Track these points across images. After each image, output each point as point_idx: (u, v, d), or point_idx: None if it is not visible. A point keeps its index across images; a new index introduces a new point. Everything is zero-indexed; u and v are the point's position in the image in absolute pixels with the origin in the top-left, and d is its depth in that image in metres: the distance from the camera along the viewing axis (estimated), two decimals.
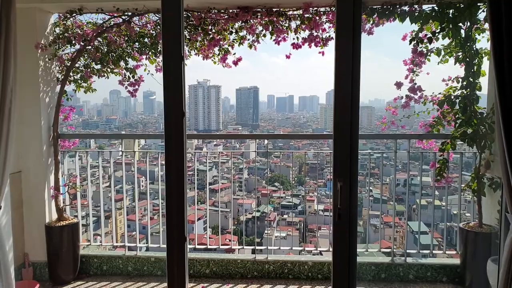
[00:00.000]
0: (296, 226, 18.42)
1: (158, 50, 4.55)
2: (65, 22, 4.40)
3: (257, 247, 4.86)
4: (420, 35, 3.99)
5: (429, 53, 4.13)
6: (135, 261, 4.47)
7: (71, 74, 4.57)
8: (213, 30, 4.37)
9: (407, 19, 3.88)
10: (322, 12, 4.10)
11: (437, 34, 3.88)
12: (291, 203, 18.35)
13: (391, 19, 3.97)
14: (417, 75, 4.25)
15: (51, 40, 4.25)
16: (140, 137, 4.85)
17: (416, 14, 3.83)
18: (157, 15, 4.33)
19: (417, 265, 4.30)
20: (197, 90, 29.34)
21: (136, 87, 4.65)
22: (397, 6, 3.84)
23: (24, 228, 4.29)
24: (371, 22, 4.06)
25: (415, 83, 4.25)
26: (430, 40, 3.87)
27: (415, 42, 3.96)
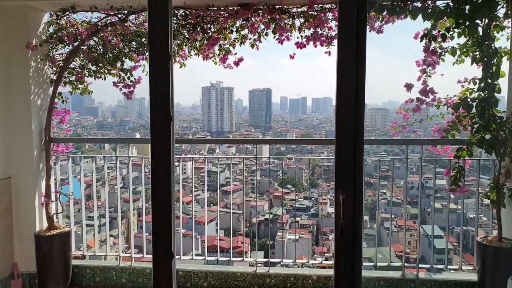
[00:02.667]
0: (308, 229, 18.08)
1: None
2: (57, 21, 4.18)
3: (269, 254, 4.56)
4: (434, 32, 3.64)
5: (443, 53, 3.79)
6: (129, 273, 4.21)
7: (66, 75, 4.36)
8: (213, 29, 4.10)
9: (419, 16, 3.54)
10: (327, 9, 3.79)
11: (452, 32, 3.53)
12: (304, 206, 18.08)
13: (402, 16, 3.63)
14: (429, 76, 3.91)
15: (42, 40, 4.02)
16: (135, 142, 4.56)
17: (429, 10, 3.49)
18: None
19: (430, 281, 3.94)
20: (210, 92, 29.27)
21: (132, 89, 4.40)
22: (409, 2, 3.51)
23: (14, 237, 4.07)
24: (381, 19, 3.74)
25: (427, 85, 3.91)
26: (443, 37, 3.51)
27: (427, 40, 3.61)
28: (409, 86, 3.80)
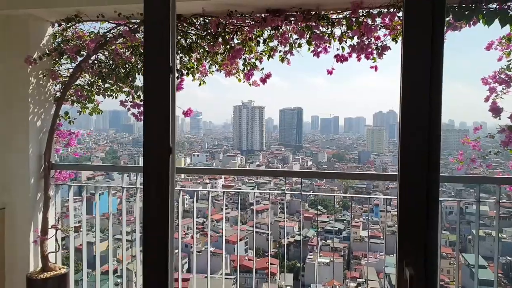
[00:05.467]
0: (340, 253, 17.04)
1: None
2: (62, 32, 3.59)
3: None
4: None
5: None
6: None
7: (73, 93, 3.76)
8: (236, 40, 3.40)
9: (496, 20, 2.72)
10: (376, 14, 3.01)
11: None
12: (335, 228, 17.03)
13: (472, 21, 2.82)
14: (501, 97, 3.08)
15: (43, 54, 3.43)
16: (128, 170, 3.82)
17: (510, 13, 2.67)
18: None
19: None
20: (242, 110, 28.86)
21: (143, 109, 3.73)
22: (483, 4, 2.70)
23: (5, 278, 3.43)
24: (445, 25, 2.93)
25: (499, 106, 3.07)
26: None
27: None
28: (496, 110, 2.95)
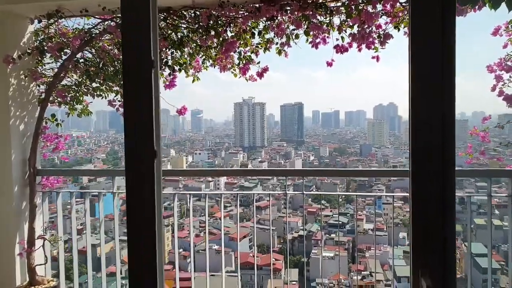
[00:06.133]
0: (344, 246, 16.87)
1: (163, 61, 3.43)
2: (44, 29, 3.37)
3: None
4: None
5: None
6: None
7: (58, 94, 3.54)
8: (230, 33, 3.18)
9: (503, 4, 2.49)
10: (376, 0, 2.78)
11: None
12: (338, 222, 16.89)
13: (478, 6, 2.59)
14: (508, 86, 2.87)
15: (23, 52, 3.21)
16: (119, 174, 3.55)
17: None
18: (162, 14, 3.22)
19: None
20: (242, 107, 28.68)
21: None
22: None
23: None
24: None
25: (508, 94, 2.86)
26: None
27: None
28: (510, 99, 2.72)
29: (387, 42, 2.82)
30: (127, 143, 1.69)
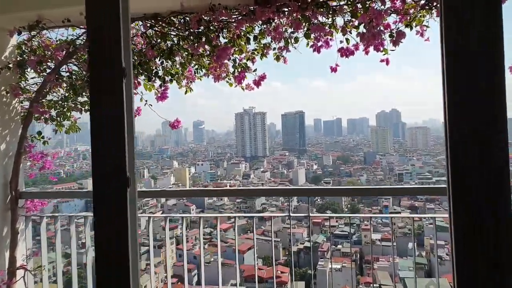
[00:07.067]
0: (351, 257, 16.51)
1: (153, 71, 3.15)
2: (26, 42, 3.11)
3: None
4: None
5: None
6: None
7: (47, 110, 3.27)
8: (222, 39, 2.90)
9: None
10: None
11: None
12: (345, 232, 16.48)
13: None
14: None
15: (3, 66, 2.94)
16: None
17: None
18: (149, 22, 2.95)
19: None
20: (243, 117, 28.48)
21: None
22: None
23: None
24: None
25: None
26: None
27: None
28: None
29: (401, 42, 2.51)
30: (95, 169, 1.40)
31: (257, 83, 3.06)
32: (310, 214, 2.88)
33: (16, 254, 2.93)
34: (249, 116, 27.95)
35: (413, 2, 2.46)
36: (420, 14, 2.58)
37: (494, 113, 1.11)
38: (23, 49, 3.16)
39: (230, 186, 22.91)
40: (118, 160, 1.36)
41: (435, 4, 2.48)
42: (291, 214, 2.96)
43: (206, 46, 2.89)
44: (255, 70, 3.06)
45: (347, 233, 17.11)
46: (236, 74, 3.07)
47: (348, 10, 2.58)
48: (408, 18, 2.56)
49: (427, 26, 2.63)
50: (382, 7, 2.45)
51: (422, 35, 2.67)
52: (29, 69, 3.04)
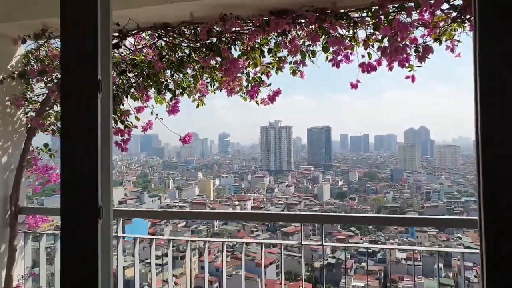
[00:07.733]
0: (375, 276, 15.89)
1: (163, 84, 2.97)
2: (33, 51, 3.00)
3: None
4: None
5: None
6: None
7: (53, 121, 3.15)
8: (235, 51, 2.70)
9: None
10: (412, 7, 2.23)
11: None
12: (369, 250, 15.94)
13: None
14: None
15: (4, 77, 2.83)
16: None
17: None
18: (159, 32, 2.78)
19: None
20: (269, 131, 28.29)
21: (127, 136, 3.04)
22: None
23: None
24: None
25: None
26: None
27: None
28: None
29: (427, 57, 2.23)
30: (63, 198, 1.20)
31: (272, 98, 2.84)
32: (324, 244, 2.62)
33: (13, 272, 2.78)
34: (274, 130, 27.76)
35: (443, 15, 2.20)
36: (451, 28, 2.31)
37: None
38: (30, 58, 3.06)
39: (253, 199, 22.69)
40: (88, 184, 1.16)
41: (468, 17, 2.20)
42: (303, 243, 2.70)
43: (218, 58, 2.70)
44: (269, 85, 2.85)
45: (371, 250, 16.63)
46: (249, 88, 2.86)
47: (370, 22, 2.33)
48: (438, 31, 2.29)
49: (459, 41, 2.35)
50: (408, 19, 2.18)
51: (452, 50, 2.38)
52: (35, 79, 2.92)
